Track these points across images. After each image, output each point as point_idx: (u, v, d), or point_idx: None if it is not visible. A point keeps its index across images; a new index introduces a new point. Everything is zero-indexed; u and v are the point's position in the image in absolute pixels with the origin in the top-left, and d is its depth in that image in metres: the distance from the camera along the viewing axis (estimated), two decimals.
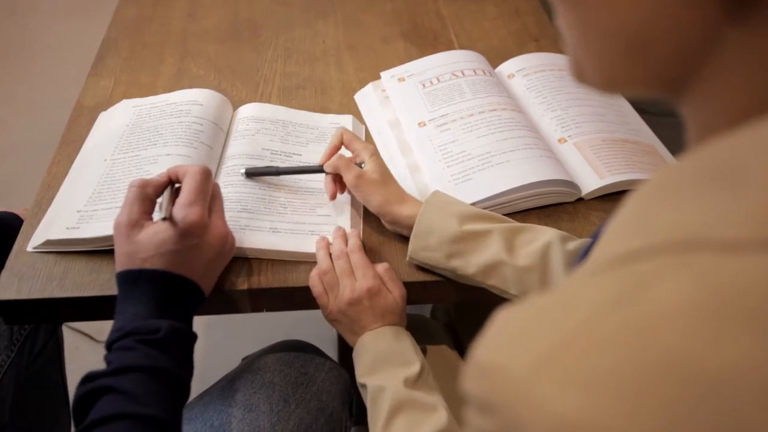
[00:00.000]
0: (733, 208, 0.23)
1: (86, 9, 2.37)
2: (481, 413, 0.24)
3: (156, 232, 0.59)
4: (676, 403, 0.20)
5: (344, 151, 0.73)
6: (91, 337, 1.39)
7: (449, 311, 0.91)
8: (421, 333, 0.67)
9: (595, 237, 0.43)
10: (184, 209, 0.59)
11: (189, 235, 0.59)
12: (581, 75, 0.32)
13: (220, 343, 1.39)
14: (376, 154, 0.70)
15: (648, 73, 0.28)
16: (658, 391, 0.20)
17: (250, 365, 0.72)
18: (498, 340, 0.25)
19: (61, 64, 2.15)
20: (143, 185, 0.61)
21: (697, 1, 0.24)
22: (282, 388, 0.69)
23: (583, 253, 0.46)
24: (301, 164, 0.78)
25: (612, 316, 0.22)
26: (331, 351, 0.84)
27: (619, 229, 0.27)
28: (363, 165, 0.69)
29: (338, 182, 0.72)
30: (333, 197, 0.72)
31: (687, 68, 0.27)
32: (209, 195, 0.62)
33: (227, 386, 0.70)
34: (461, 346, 0.82)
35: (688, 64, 0.27)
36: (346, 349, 1.04)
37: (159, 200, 0.63)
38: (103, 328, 1.40)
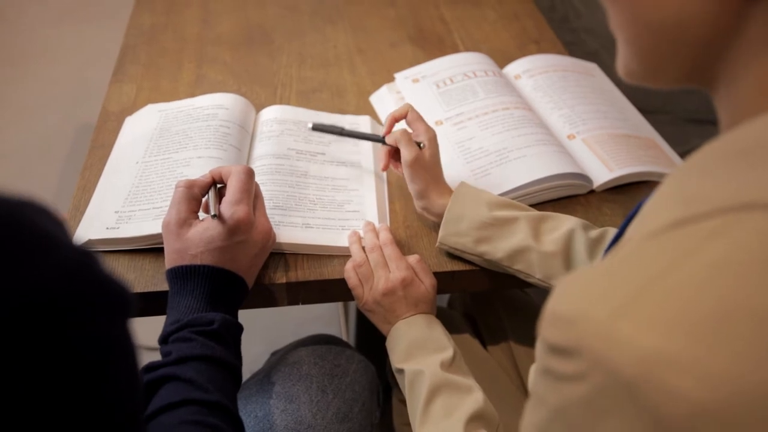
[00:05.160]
0: None
1: (75, 14, 2.37)
2: (561, 358, 0.28)
3: (205, 229, 0.61)
4: (744, 339, 0.23)
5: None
6: None
7: (466, 301, 0.94)
8: (442, 323, 0.70)
9: (623, 226, 0.47)
10: (231, 207, 0.62)
11: (237, 232, 0.62)
12: (631, 72, 0.36)
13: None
14: (434, 139, 0.72)
15: (685, 59, 0.33)
16: (729, 328, 0.24)
17: (284, 359, 0.75)
18: (574, 293, 0.28)
19: (52, 69, 2.14)
20: (189, 185, 0.64)
21: None
22: (319, 380, 0.71)
23: (615, 238, 0.50)
24: (363, 131, 0.83)
25: (682, 266, 0.26)
26: None
27: (665, 203, 0.31)
28: (422, 145, 0.71)
29: (393, 157, 0.75)
30: (385, 169, 0.76)
31: (717, 52, 0.31)
32: (253, 193, 0.65)
33: (265, 380, 0.73)
34: (480, 336, 0.86)
35: (717, 48, 0.31)
36: (363, 344, 1.07)
37: (204, 199, 0.65)
38: None
